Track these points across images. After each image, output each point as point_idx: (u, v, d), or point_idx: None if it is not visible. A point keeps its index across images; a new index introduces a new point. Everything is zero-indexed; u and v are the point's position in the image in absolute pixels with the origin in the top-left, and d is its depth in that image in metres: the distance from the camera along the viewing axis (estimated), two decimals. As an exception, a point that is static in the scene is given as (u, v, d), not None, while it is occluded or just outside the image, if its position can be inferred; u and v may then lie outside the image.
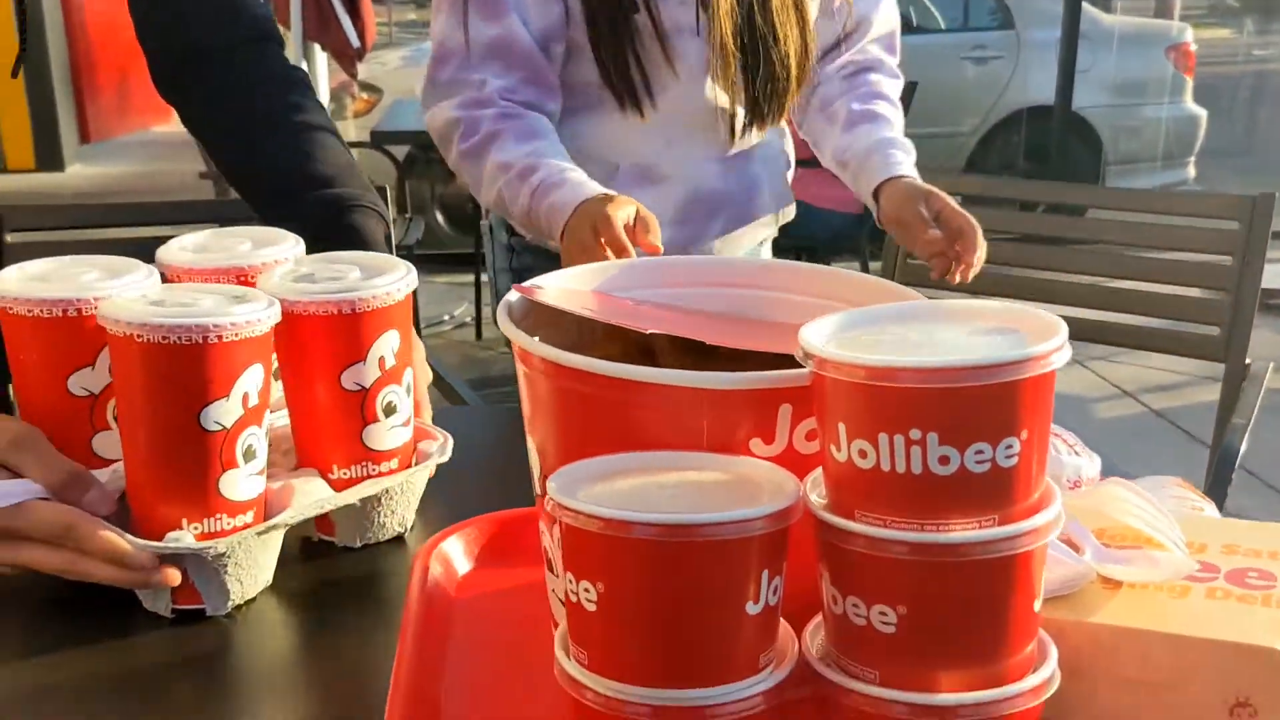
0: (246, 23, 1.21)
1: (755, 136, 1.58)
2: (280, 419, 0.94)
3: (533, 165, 1.35)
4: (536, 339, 0.68)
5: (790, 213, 1.70)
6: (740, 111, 1.52)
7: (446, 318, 4.81)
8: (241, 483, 0.83)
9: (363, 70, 5.48)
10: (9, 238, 1.72)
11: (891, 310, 0.62)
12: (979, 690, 0.56)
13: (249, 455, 0.83)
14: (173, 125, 8.88)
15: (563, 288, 0.79)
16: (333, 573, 0.93)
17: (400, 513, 0.97)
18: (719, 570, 0.55)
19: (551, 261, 1.37)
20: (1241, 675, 0.61)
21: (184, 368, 0.79)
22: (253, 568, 0.86)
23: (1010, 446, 0.53)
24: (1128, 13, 7.41)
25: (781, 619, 0.60)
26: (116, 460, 0.87)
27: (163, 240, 0.98)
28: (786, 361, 0.62)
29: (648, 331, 0.74)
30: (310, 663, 0.82)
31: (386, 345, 0.90)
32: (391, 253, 1.13)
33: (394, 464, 0.94)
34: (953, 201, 1.50)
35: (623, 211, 1.21)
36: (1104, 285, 2.18)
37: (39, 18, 7.24)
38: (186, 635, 0.83)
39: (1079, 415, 3.88)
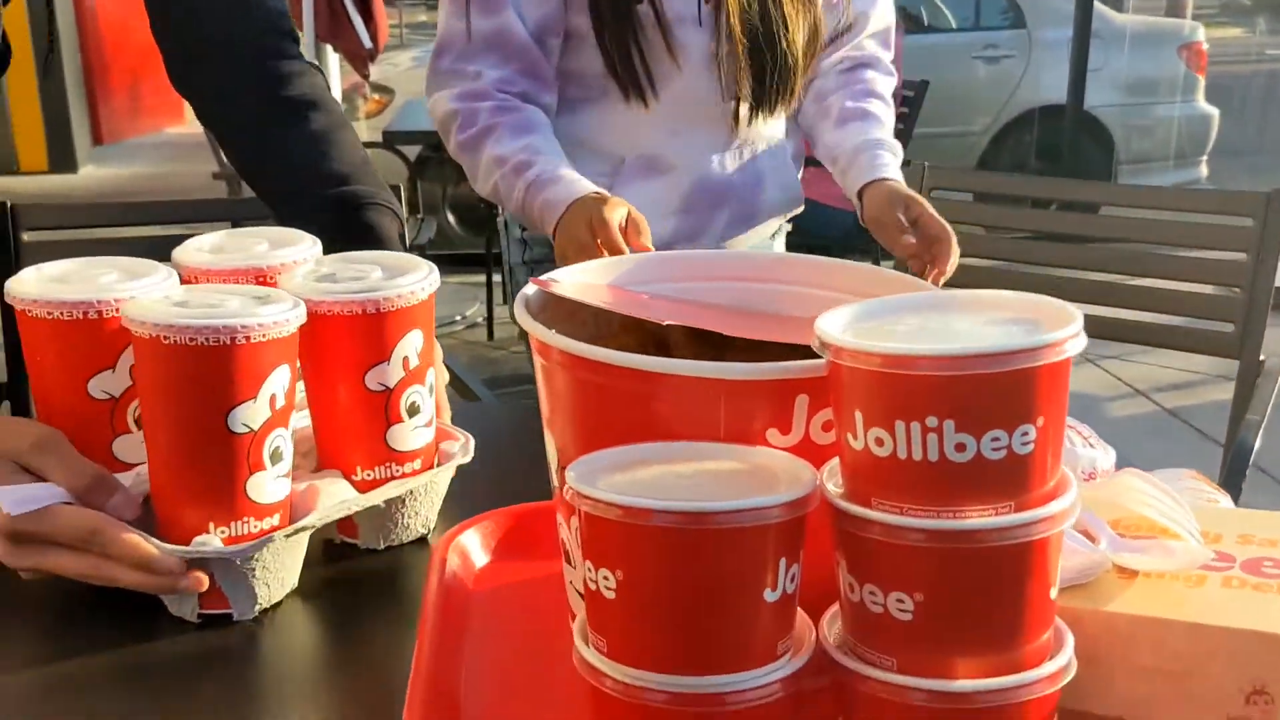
0: (261, 17, 1.21)
1: (761, 126, 1.59)
2: (299, 420, 0.93)
3: (528, 161, 1.39)
4: (553, 332, 0.69)
5: (798, 209, 1.71)
6: (745, 100, 1.53)
7: (458, 318, 4.82)
8: (269, 485, 0.82)
9: (374, 71, 5.49)
10: (25, 236, 1.73)
11: (907, 301, 0.62)
12: (996, 677, 0.56)
13: (276, 457, 0.82)
14: (185, 126, 8.95)
15: (578, 282, 0.80)
16: (357, 575, 0.92)
17: (424, 514, 0.96)
18: (737, 558, 0.56)
19: None
20: (1258, 663, 0.61)
21: (211, 369, 0.78)
22: (280, 571, 0.85)
23: (1026, 434, 0.54)
24: (1140, 11, 7.39)
25: (799, 608, 0.60)
26: (137, 464, 0.86)
27: (176, 239, 0.98)
28: (802, 353, 0.62)
29: (664, 323, 0.75)
30: (338, 665, 0.82)
31: (410, 345, 0.90)
32: (406, 251, 1.13)
33: (417, 464, 0.93)
34: (930, 208, 1.52)
35: (617, 213, 1.24)
36: (1117, 282, 2.17)
37: (52, 18, 7.26)
38: (212, 639, 0.82)
39: (1092, 414, 3.87)
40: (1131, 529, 0.70)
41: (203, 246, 0.96)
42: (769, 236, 1.71)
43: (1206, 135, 6.46)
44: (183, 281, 0.91)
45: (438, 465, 0.96)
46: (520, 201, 1.40)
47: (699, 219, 1.57)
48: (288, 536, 0.84)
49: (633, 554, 0.56)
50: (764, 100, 1.54)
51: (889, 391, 0.54)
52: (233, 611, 0.84)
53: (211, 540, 0.81)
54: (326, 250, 0.98)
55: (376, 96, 5.93)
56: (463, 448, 0.98)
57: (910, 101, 4.40)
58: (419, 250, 3.34)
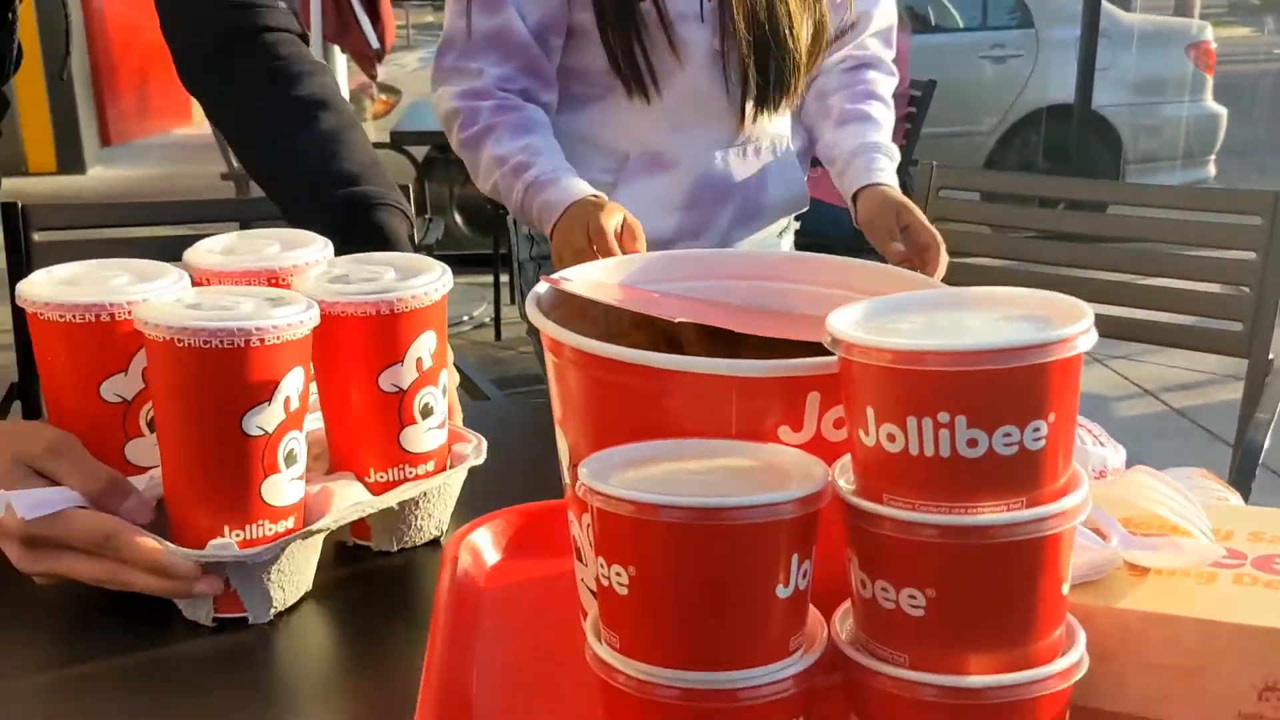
0: (268, 16, 1.21)
1: (766, 124, 1.59)
2: (311, 422, 0.92)
3: (526, 162, 1.43)
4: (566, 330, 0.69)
5: (804, 208, 1.72)
6: (749, 98, 1.54)
7: (465, 318, 4.83)
8: (283, 488, 0.82)
9: (381, 72, 5.50)
10: (36, 237, 1.73)
11: (918, 298, 0.62)
12: (1008, 673, 0.56)
13: (290, 460, 0.82)
14: (193, 128, 8.97)
15: (590, 280, 0.80)
16: (371, 577, 0.92)
17: (437, 516, 0.96)
18: (749, 554, 0.56)
19: None
20: (1270, 660, 0.61)
21: (226, 372, 0.77)
22: (294, 574, 0.85)
23: (1038, 429, 0.54)
24: (1147, 11, 7.38)
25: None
26: (150, 468, 0.86)
27: (185, 240, 0.97)
28: (814, 351, 0.62)
29: (676, 320, 0.75)
30: (353, 668, 0.81)
31: (424, 346, 0.89)
32: (415, 252, 1.14)
33: (430, 466, 0.93)
34: (921, 216, 1.55)
35: (613, 220, 1.28)
36: (1125, 282, 2.17)
37: (62, 21, 7.29)
38: (226, 642, 0.81)
39: (1100, 413, 3.86)
40: (1142, 526, 0.70)
41: (214, 248, 0.96)
42: (776, 235, 1.71)
43: (1214, 134, 6.45)
44: (194, 284, 0.90)
45: (450, 467, 0.95)
46: (519, 202, 1.44)
47: (702, 215, 1.58)
48: (303, 539, 0.84)
49: (645, 550, 0.56)
50: (768, 98, 1.55)
51: (901, 387, 0.54)
52: (248, 615, 0.83)
53: (227, 544, 0.80)
54: (337, 251, 0.98)
55: (384, 97, 5.93)
56: (475, 449, 0.97)
57: (918, 101, 4.40)
58: (426, 251, 3.33)
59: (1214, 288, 2.14)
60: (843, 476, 0.60)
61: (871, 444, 0.56)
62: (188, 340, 0.76)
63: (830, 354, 0.58)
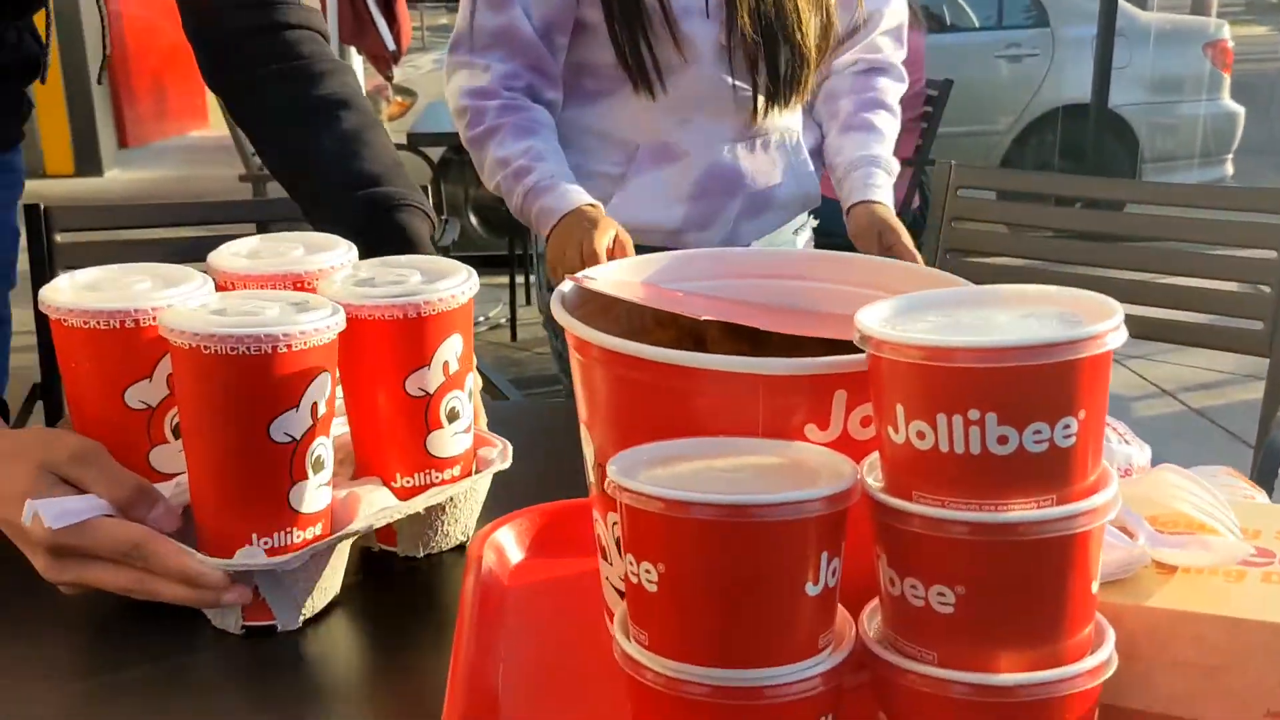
0: (290, 12, 1.21)
1: (775, 118, 1.60)
2: (335, 426, 0.91)
3: (527, 167, 1.48)
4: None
5: (815, 204, 1.72)
6: (759, 93, 1.54)
7: (482, 319, 4.83)
8: (311, 494, 0.81)
9: (396, 74, 5.51)
10: (58, 238, 1.74)
11: (946, 295, 0.62)
12: (1038, 671, 0.56)
13: (318, 466, 0.81)
14: (210, 130, 9.00)
15: (614, 278, 0.80)
16: (397, 583, 0.91)
17: (463, 521, 0.95)
18: (778, 551, 0.56)
19: None
20: (1299, 658, 0.61)
21: (252, 379, 0.77)
22: (322, 581, 0.84)
23: (1068, 426, 0.54)
24: (1164, 9, 7.36)
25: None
26: (175, 474, 0.85)
27: (207, 240, 0.97)
28: (837, 349, 0.62)
29: (703, 319, 0.75)
30: (381, 674, 0.81)
31: (450, 350, 0.88)
32: (434, 253, 1.14)
33: (456, 471, 0.92)
34: (906, 239, 1.58)
35: (605, 240, 1.35)
36: (1144, 281, 2.16)
37: (77, 24, 7.32)
38: (255, 649, 0.81)
39: (1118, 414, 3.82)
40: (1169, 524, 0.70)
41: (239, 251, 0.95)
42: (791, 232, 1.72)
43: (1232, 133, 6.42)
44: (219, 287, 0.90)
45: (476, 472, 0.94)
46: (519, 206, 1.50)
47: (710, 206, 1.60)
48: (331, 546, 0.83)
49: (675, 547, 0.56)
50: (777, 93, 1.56)
51: (931, 384, 0.54)
52: (276, 623, 0.83)
53: (255, 553, 0.80)
54: (360, 253, 0.98)
55: (399, 99, 5.94)
56: (500, 454, 0.96)
57: (934, 101, 4.39)
58: (442, 252, 3.34)
59: (1233, 286, 2.13)
60: (871, 474, 0.60)
61: (901, 441, 0.56)
62: (214, 348, 0.76)
63: (856, 352, 0.58)
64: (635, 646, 0.59)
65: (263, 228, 1.89)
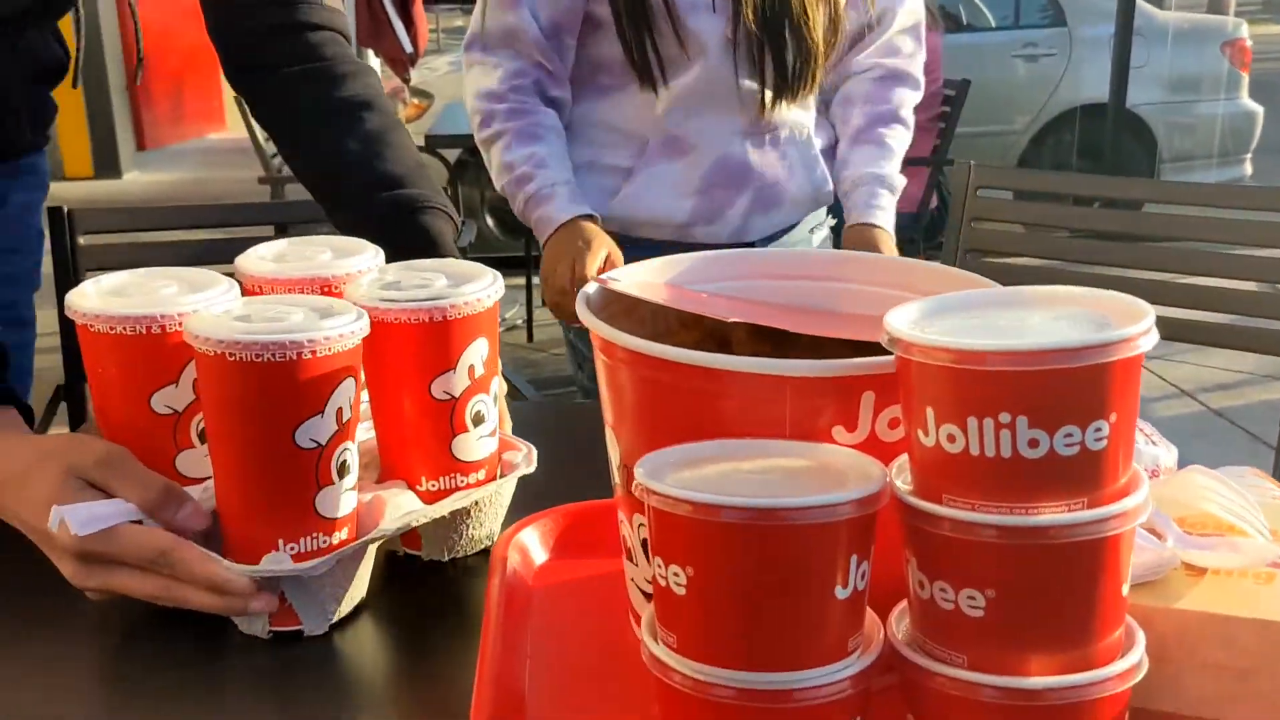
0: (312, 13, 1.21)
1: (785, 113, 1.60)
2: (360, 431, 0.90)
3: (529, 174, 1.54)
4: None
5: (828, 202, 1.73)
6: (767, 87, 1.55)
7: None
8: (337, 499, 0.81)
9: (413, 76, 5.52)
10: (81, 240, 1.75)
11: (975, 297, 0.62)
12: (1068, 674, 0.56)
13: (343, 471, 0.81)
14: (228, 132, 9.02)
15: (638, 280, 0.80)
16: (423, 587, 0.91)
17: (488, 525, 0.95)
18: (807, 554, 0.56)
19: None
20: (1331, 661, 0.61)
21: (277, 385, 0.77)
22: (349, 585, 0.84)
23: (1099, 429, 0.54)
24: (1182, 8, 7.33)
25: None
26: (201, 479, 0.85)
27: (227, 243, 0.97)
28: (863, 350, 0.62)
29: (729, 320, 0.75)
30: (408, 678, 0.81)
31: (476, 353, 0.88)
32: (457, 255, 1.14)
33: (481, 475, 0.92)
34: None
35: (597, 260, 1.43)
36: (1162, 280, 2.15)
37: (95, 26, 7.36)
38: (282, 655, 0.81)
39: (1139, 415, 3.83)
40: (1198, 526, 0.70)
41: (265, 255, 0.95)
42: (807, 231, 1.72)
43: (1250, 133, 6.39)
44: (245, 291, 0.90)
45: (501, 476, 0.94)
46: (520, 211, 1.58)
47: (718, 199, 1.61)
48: (357, 550, 0.83)
49: (703, 550, 0.56)
50: (783, 88, 1.56)
51: (961, 387, 0.54)
52: (303, 628, 0.83)
53: (281, 558, 0.80)
54: (385, 256, 0.98)
55: (416, 101, 5.95)
56: (525, 458, 0.96)
57: (951, 101, 4.38)
58: (459, 253, 3.35)
59: (1253, 286, 2.12)
60: (899, 476, 0.59)
61: (931, 444, 0.56)
62: (239, 354, 0.76)
63: (883, 353, 0.58)
64: (663, 649, 0.59)
65: (284, 230, 1.90)
